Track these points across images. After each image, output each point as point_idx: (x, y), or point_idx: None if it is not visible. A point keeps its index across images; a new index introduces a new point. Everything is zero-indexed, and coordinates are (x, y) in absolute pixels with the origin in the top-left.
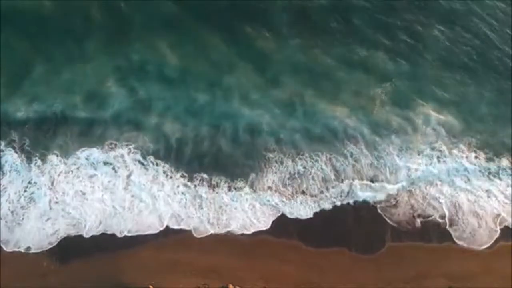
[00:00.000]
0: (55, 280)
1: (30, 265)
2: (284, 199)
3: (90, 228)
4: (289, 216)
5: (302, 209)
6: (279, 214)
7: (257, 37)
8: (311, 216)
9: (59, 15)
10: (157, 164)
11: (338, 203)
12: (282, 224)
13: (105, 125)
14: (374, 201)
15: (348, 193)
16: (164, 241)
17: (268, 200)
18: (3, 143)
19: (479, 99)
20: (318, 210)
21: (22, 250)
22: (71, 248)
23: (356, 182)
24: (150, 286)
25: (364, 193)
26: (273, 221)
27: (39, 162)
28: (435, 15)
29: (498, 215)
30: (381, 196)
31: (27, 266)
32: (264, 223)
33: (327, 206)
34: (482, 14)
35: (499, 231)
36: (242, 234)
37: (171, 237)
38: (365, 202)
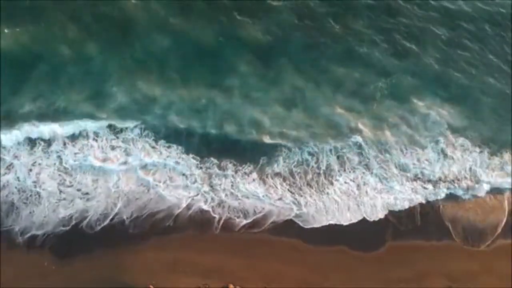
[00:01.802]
0: (56, 280)
1: (31, 265)
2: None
3: (105, 210)
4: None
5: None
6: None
7: (257, 34)
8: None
9: None
10: (169, 147)
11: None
12: (283, 222)
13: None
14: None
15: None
16: (164, 240)
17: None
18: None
19: (481, 94)
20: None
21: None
22: (72, 248)
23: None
24: (151, 286)
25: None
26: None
27: (42, 144)
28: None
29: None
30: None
31: (27, 266)
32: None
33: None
34: (483, 11)
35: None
36: (244, 231)
37: (172, 237)
38: None
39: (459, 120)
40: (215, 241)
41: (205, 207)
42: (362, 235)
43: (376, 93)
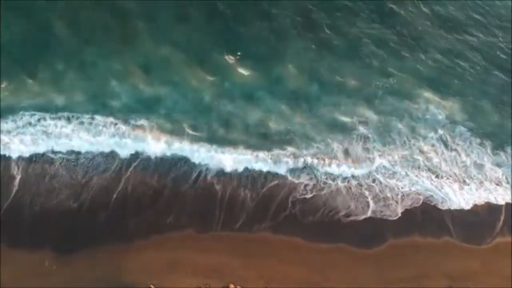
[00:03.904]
0: (56, 280)
1: (31, 265)
2: None
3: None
4: None
5: None
6: None
7: (260, 39)
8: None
9: None
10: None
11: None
12: (284, 220)
13: None
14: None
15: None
16: (165, 240)
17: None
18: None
19: (481, 91)
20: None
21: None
22: (72, 248)
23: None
24: (152, 286)
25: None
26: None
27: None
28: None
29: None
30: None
31: (27, 266)
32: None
33: None
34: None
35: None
36: (244, 229)
37: (172, 235)
38: None
39: (461, 115)
40: (215, 240)
41: (210, 176)
42: (363, 233)
43: (378, 90)
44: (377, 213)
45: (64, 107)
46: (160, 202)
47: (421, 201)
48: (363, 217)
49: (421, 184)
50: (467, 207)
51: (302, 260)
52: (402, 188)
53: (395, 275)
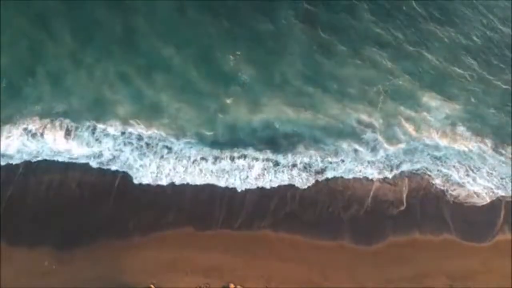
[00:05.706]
0: (56, 279)
1: (31, 264)
2: None
3: None
4: None
5: None
6: None
7: (261, 38)
8: None
9: None
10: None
11: None
12: (284, 218)
13: None
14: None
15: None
16: (165, 240)
17: None
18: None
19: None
20: None
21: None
22: (72, 247)
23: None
24: (152, 286)
25: None
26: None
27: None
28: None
29: None
30: None
31: (27, 266)
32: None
33: None
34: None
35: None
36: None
37: (172, 234)
38: None
39: (462, 114)
40: (215, 239)
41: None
42: (362, 230)
43: (380, 93)
44: (380, 191)
45: (64, 112)
46: (160, 200)
47: (425, 184)
48: (365, 202)
49: (425, 164)
50: (474, 198)
51: (302, 259)
52: (407, 168)
53: (395, 274)
